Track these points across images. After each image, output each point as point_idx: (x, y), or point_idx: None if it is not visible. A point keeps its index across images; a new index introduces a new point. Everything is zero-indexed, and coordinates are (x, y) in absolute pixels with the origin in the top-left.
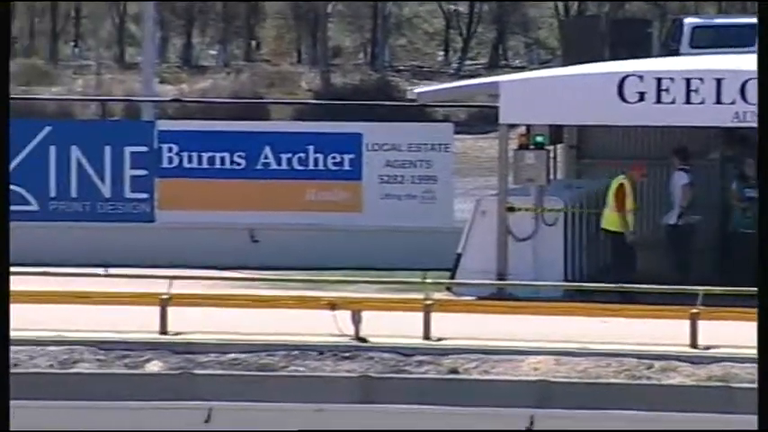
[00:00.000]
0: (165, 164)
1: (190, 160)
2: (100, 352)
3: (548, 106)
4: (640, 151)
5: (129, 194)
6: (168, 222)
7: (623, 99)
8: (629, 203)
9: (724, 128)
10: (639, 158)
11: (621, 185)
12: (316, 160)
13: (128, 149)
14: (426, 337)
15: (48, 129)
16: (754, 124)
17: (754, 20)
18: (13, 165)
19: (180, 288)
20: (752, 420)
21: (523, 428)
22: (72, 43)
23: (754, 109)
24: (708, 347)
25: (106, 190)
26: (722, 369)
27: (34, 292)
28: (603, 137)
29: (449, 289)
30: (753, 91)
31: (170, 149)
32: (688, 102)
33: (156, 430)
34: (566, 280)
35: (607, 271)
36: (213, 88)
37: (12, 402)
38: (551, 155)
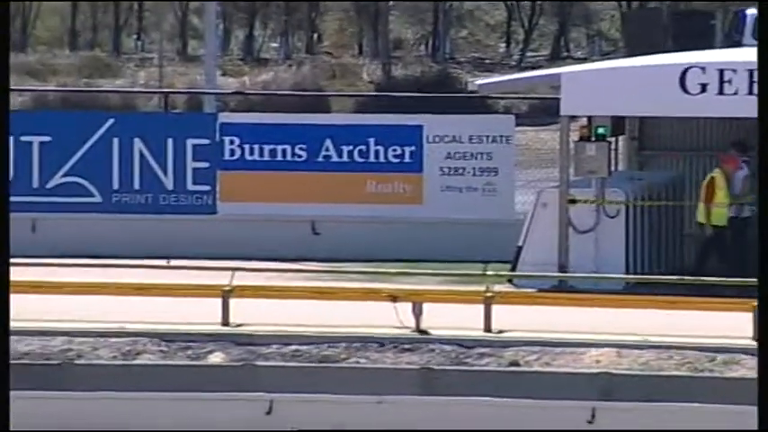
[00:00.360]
0: (227, 156)
1: (251, 152)
2: (162, 343)
3: (609, 98)
4: (702, 143)
5: (191, 186)
6: (230, 214)
7: (685, 90)
8: (720, 196)
9: None
10: (701, 150)
11: (713, 178)
12: (376, 152)
13: (190, 142)
14: (487, 329)
15: (111, 121)
16: None
17: None
18: (76, 157)
19: (242, 280)
20: None
21: (585, 421)
22: (135, 36)
23: None
24: None
25: (168, 182)
26: None
27: (97, 284)
28: (665, 128)
29: (510, 281)
30: None
31: (232, 142)
32: (750, 93)
33: (217, 426)
34: (627, 272)
35: (674, 263)
36: (275, 81)
37: (74, 393)
38: (613, 146)
